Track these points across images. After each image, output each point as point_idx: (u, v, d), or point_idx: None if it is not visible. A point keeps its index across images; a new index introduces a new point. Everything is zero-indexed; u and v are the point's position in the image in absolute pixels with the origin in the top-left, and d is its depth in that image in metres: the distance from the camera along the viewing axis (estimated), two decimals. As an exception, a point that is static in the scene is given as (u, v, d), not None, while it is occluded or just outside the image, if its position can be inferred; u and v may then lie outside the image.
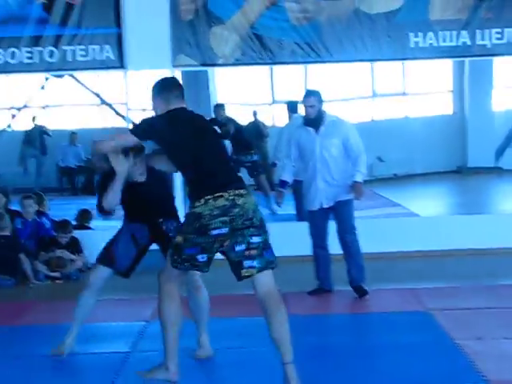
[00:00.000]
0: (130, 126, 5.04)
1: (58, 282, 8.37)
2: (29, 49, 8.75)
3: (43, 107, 17.95)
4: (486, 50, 8.90)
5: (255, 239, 4.56)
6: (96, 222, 9.41)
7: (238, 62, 8.99)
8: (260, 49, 8.85)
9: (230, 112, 17.17)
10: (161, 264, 4.99)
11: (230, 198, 4.52)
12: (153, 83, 4.88)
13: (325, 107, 7.18)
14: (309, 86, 15.85)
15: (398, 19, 8.74)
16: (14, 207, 9.20)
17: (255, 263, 4.57)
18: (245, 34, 8.84)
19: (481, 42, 8.81)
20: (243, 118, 16.10)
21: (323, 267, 7.24)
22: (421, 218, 10.66)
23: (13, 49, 8.74)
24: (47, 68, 8.99)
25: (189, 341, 5.23)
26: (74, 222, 9.13)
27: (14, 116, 14.40)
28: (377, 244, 8.63)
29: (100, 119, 17.18)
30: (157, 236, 5.47)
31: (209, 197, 4.50)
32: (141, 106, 11.76)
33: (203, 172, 4.62)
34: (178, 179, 7.85)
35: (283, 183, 7.36)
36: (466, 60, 13.95)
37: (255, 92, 17.58)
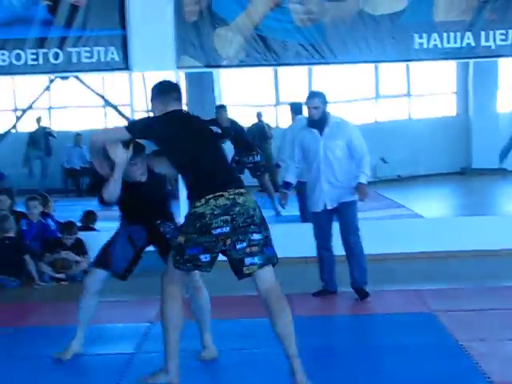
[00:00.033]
0: (126, 124, 5.01)
1: (62, 283, 8.38)
2: (34, 50, 8.76)
3: (48, 109, 18.02)
4: (491, 52, 8.90)
5: (256, 236, 4.60)
6: (101, 224, 9.42)
7: (242, 64, 8.99)
8: (264, 50, 8.85)
9: (234, 113, 17.23)
10: (159, 265, 5.01)
11: (231, 197, 4.56)
12: (152, 86, 4.96)
13: (329, 108, 7.19)
14: (313, 88, 15.89)
15: (402, 20, 8.74)
16: (19, 208, 9.22)
17: (256, 260, 4.61)
18: (249, 35, 8.85)
19: (485, 44, 8.81)
20: (247, 120, 16.13)
21: (327, 268, 7.25)
22: (425, 219, 10.66)
23: (18, 50, 8.75)
24: (52, 70, 9.01)
25: (191, 342, 5.24)
26: (78, 224, 9.15)
27: (18, 117, 14.41)
28: (381, 245, 8.64)
29: (104, 120, 17.26)
30: (154, 238, 5.47)
31: (209, 196, 4.54)
32: (145, 108, 11.80)
33: (202, 172, 4.66)
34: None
35: (287, 184, 7.37)
36: (471, 61, 13.93)
37: (259, 93, 17.59)
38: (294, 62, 9.01)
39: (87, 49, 8.79)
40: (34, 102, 12.21)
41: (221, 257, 4.72)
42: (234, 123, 12.05)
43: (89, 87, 11.59)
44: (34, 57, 8.78)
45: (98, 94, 12.58)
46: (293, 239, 8.55)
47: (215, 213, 4.52)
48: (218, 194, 4.55)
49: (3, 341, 6.18)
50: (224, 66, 9.12)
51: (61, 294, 8.06)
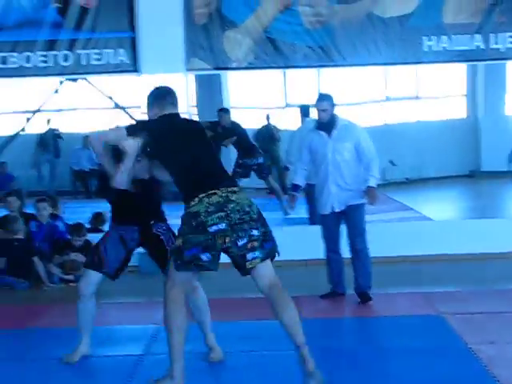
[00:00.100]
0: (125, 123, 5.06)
1: (71, 284, 8.39)
2: (44, 52, 8.81)
3: (57, 111, 18.06)
4: (500, 54, 8.90)
5: (255, 232, 4.65)
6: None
7: (251, 66, 9.01)
8: (273, 52, 8.87)
9: (242, 116, 17.26)
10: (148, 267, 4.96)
11: (224, 194, 4.63)
12: (149, 91, 5.06)
13: (337, 111, 7.19)
14: (322, 90, 15.88)
15: (411, 23, 8.75)
16: (28, 210, 9.24)
17: (257, 254, 4.66)
18: (258, 37, 8.86)
19: (494, 46, 8.81)
20: (256, 122, 16.15)
21: (336, 271, 7.24)
22: (433, 222, 10.64)
23: (28, 53, 8.80)
24: (62, 72, 9.04)
25: (196, 344, 5.25)
26: (87, 226, 9.16)
27: (28, 119, 14.43)
28: (389, 248, 8.65)
29: (113, 122, 17.29)
30: (146, 238, 5.48)
31: (203, 195, 4.60)
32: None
33: (194, 173, 4.74)
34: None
35: (296, 187, 7.36)
36: (480, 64, 13.90)
37: (268, 96, 17.60)
38: (302, 64, 9.02)
39: (97, 51, 8.83)
40: (44, 104, 12.21)
41: (223, 258, 4.76)
42: (236, 126, 12.07)
43: (98, 89, 11.58)
44: (44, 59, 8.81)
45: (107, 96, 12.56)
46: (301, 241, 8.56)
47: (209, 210, 4.57)
48: (210, 192, 4.62)
49: (12, 342, 6.19)
50: (233, 68, 9.15)
51: (70, 295, 8.04)
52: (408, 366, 5.24)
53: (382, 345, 5.89)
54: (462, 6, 8.79)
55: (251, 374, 5.21)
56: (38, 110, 12.74)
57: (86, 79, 10.07)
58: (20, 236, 8.55)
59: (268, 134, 15.53)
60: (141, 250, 5.65)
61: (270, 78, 16.98)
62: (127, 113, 11.12)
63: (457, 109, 18.22)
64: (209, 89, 16.14)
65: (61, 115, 18.31)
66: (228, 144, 11.84)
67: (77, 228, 8.68)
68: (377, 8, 8.77)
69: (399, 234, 9.01)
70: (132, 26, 8.82)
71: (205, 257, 4.60)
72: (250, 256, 4.64)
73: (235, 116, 16.66)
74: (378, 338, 6.20)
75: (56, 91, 12.06)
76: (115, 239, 5.46)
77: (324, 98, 7.14)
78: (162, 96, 4.99)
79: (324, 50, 8.84)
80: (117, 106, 12.52)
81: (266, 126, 15.88)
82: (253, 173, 12.11)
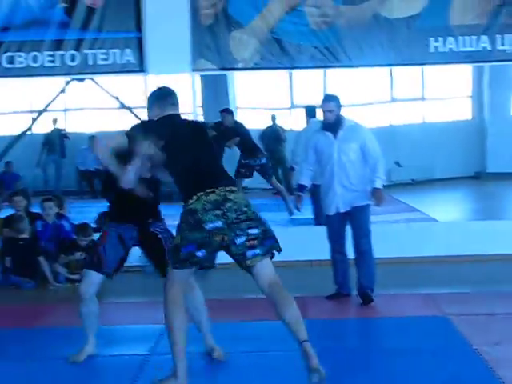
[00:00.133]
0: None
1: (77, 284, 8.38)
2: (50, 52, 8.82)
3: (64, 110, 18.09)
4: (506, 55, 8.89)
5: (253, 231, 4.68)
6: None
7: (257, 67, 9.01)
8: (279, 53, 8.87)
9: (248, 116, 17.28)
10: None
11: (222, 193, 4.68)
12: (150, 92, 5.12)
13: (343, 112, 7.19)
14: (328, 91, 15.89)
15: (418, 24, 8.74)
16: (34, 210, 9.26)
17: (258, 251, 4.68)
18: (264, 38, 8.87)
19: (501, 47, 8.80)
20: (262, 123, 16.16)
21: (341, 272, 7.24)
22: (439, 223, 10.64)
23: (35, 52, 8.82)
24: (68, 71, 9.05)
25: (198, 345, 5.25)
26: (93, 225, 9.18)
27: (34, 119, 14.45)
28: (395, 249, 8.65)
29: (119, 122, 17.32)
30: (144, 237, 5.50)
31: (201, 193, 4.66)
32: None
33: (193, 172, 4.78)
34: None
35: (301, 187, 7.36)
36: (486, 65, 13.89)
37: (274, 96, 17.61)
38: (308, 65, 9.02)
39: (103, 51, 8.84)
40: (50, 103, 12.23)
41: (223, 258, 4.76)
42: (239, 126, 12.08)
43: (104, 89, 11.59)
44: (51, 59, 8.83)
45: (112, 95, 12.57)
46: (307, 242, 8.57)
47: (206, 208, 4.62)
48: (209, 190, 4.67)
49: (19, 341, 6.21)
50: (239, 68, 9.16)
51: (76, 294, 8.03)
52: (413, 366, 5.23)
53: (387, 346, 5.88)
54: (469, 8, 8.78)
55: (252, 374, 5.21)
56: (45, 110, 12.75)
57: (92, 79, 10.09)
58: (25, 235, 8.57)
59: (274, 135, 15.54)
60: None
61: (276, 78, 16.99)
62: (133, 113, 11.13)
63: (462, 110, 18.20)
64: (215, 89, 16.15)
65: (67, 115, 18.35)
66: (231, 145, 11.85)
67: (83, 228, 8.69)
68: (383, 9, 8.77)
69: (405, 235, 9.01)
70: (138, 27, 8.83)
71: (200, 253, 4.65)
72: (249, 254, 4.67)
73: (241, 116, 16.73)
74: (383, 339, 6.21)
75: (62, 91, 12.09)
76: (114, 238, 5.48)
77: (330, 98, 7.15)
78: (163, 97, 5.03)
79: (330, 51, 8.84)
80: (123, 106, 12.54)
81: (271, 126, 15.89)
82: (258, 173, 12.11)
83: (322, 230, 7.36)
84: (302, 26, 8.81)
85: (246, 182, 12.74)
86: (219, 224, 4.62)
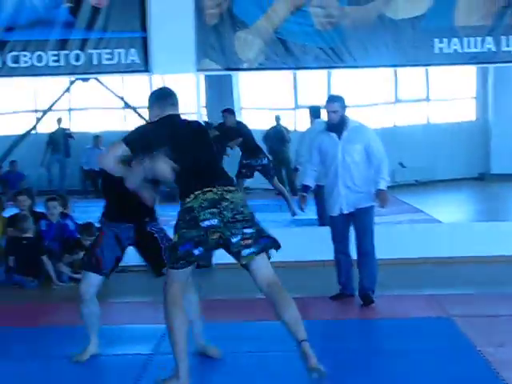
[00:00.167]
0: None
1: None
2: (55, 52, 8.82)
3: (68, 110, 18.12)
4: (511, 57, 8.87)
5: (248, 230, 4.72)
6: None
7: (261, 67, 9.01)
8: (284, 53, 8.86)
9: (253, 117, 17.29)
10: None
11: (219, 192, 4.72)
12: (150, 93, 5.15)
13: (347, 112, 7.18)
14: (332, 91, 15.88)
15: (422, 25, 8.73)
16: (38, 209, 9.27)
17: (253, 249, 4.72)
18: (269, 38, 8.86)
19: (506, 49, 8.79)
20: (266, 123, 16.17)
21: (345, 272, 7.24)
22: (443, 224, 10.63)
23: (39, 52, 8.81)
24: (73, 71, 9.04)
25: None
26: (97, 225, 9.17)
27: (39, 119, 14.47)
28: (399, 250, 8.65)
29: (124, 122, 17.35)
30: (141, 237, 5.51)
31: (198, 192, 4.70)
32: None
33: (193, 173, 4.80)
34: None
35: (306, 187, 7.36)
36: (491, 66, 13.88)
37: (278, 97, 17.61)
38: (313, 65, 9.01)
39: (108, 51, 8.84)
40: (55, 103, 12.25)
41: (227, 259, 4.77)
42: (241, 126, 12.08)
43: (109, 89, 11.61)
44: (56, 58, 8.83)
45: (117, 95, 12.59)
46: (310, 242, 8.57)
47: (203, 205, 4.67)
48: (206, 189, 4.71)
49: (22, 341, 6.22)
50: (244, 69, 9.15)
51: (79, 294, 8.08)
52: (417, 368, 5.23)
53: (390, 347, 5.87)
54: (474, 9, 8.76)
55: (252, 374, 5.21)
56: (49, 110, 12.77)
57: (97, 79, 10.10)
58: (29, 235, 8.58)
59: (278, 135, 15.54)
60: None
61: (280, 79, 17.00)
62: (137, 113, 11.13)
63: (467, 111, 18.19)
64: (219, 90, 16.16)
65: (72, 115, 18.38)
66: (234, 145, 11.85)
67: (87, 227, 8.69)
68: (388, 9, 8.76)
69: (408, 236, 9.01)
70: (143, 26, 8.83)
71: (197, 251, 4.68)
72: (245, 252, 4.72)
73: (245, 117, 16.74)
74: (386, 340, 6.19)
75: (67, 90, 12.11)
76: (111, 239, 5.48)
77: (335, 99, 7.14)
78: (162, 97, 5.06)
79: (335, 52, 8.83)
80: (127, 106, 12.57)
81: (275, 127, 15.89)
82: (260, 174, 12.09)
83: (325, 231, 7.36)
84: (306, 26, 8.80)
85: (249, 183, 12.74)
86: (215, 222, 4.66)
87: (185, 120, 5.07)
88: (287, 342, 4.85)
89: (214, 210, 4.67)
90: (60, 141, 17.13)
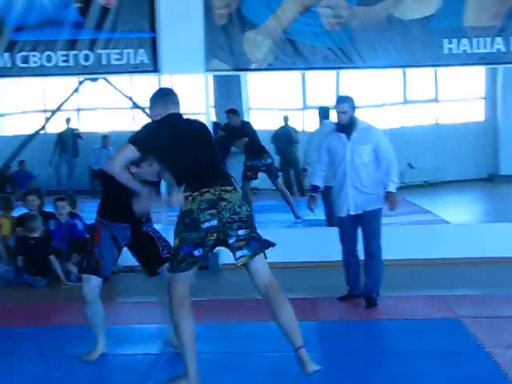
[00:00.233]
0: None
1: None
2: (64, 52, 8.83)
3: (77, 110, 18.16)
4: (520, 57, 8.86)
5: (241, 232, 4.76)
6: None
7: (270, 67, 9.00)
8: (293, 54, 8.85)
9: (261, 117, 17.28)
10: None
11: (217, 192, 4.75)
12: (152, 93, 5.16)
13: (356, 113, 7.17)
14: (340, 92, 15.88)
15: (432, 25, 8.70)
16: (47, 209, 9.29)
17: (245, 252, 4.75)
18: (278, 38, 8.85)
19: (515, 49, 8.77)
20: (274, 123, 16.17)
21: (353, 273, 7.23)
22: (452, 225, 10.62)
23: (49, 52, 8.83)
24: (82, 71, 9.05)
25: (203, 346, 5.26)
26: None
27: (48, 119, 14.51)
28: (407, 250, 8.64)
29: (132, 122, 17.38)
30: (137, 237, 5.52)
31: (196, 193, 4.73)
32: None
33: (193, 173, 4.83)
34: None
35: (315, 188, 7.35)
36: (500, 67, 13.84)
37: (287, 97, 17.60)
38: (322, 66, 9.00)
39: (117, 51, 8.85)
40: (63, 103, 12.27)
41: (229, 259, 4.79)
42: (246, 126, 12.07)
43: (117, 89, 11.62)
44: (65, 58, 8.85)
45: (125, 95, 12.60)
46: (319, 243, 8.57)
47: (201, 207, 4.70)
48: (203, 190, 4.74)
49: (31, 340, 6.24)
50: (253, 69, 9.15)
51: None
52: (425, 369, 5.23)
53: (399, 348, 5.87)
54: (483, 9, 8.74)
55: (253, 374, 5.22)
56: (58, 110, 12.79)
57: (105, 79, 10.11)
58: (35, 235, 8.60)
59: (286, 136, 15.53)
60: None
61: (289, 79, 16.99)
62: (146, 113, 11.13)
63: (476, 112, 18.15)
64: (227, 91, 16.16)
65: (80, 115, 18.42)
66: (240, 145, 11.83)
67: (95, 227, 8.70)
68: (397, 10, 8.74)
69: (417, 237, 9.00)
70: (152, 27, 8.83)
71: (197, 252, 4.71)
72: (238, 254, 4.76)
73: (254, 117, 16.75)
74: (394, 341, 6.19)
75: (76, 91, 12.13)
76: (108, 239, 5.49)
77: (344, 99, 7.12)
78: (165, 95, 5.10)
79: (344, 52, 8.82)
80: (136, 106, 12.57)
81: (284, 127, 15.88)
82: (265, 174, 12.07)
83: (333, 232, 7.35)
84: (315, 26, 8.79)
85: (255, 183, 12.73)
86: (215, 223, 4.70)
87: (187, 119, 5.09)
88: (287, 343, 4.86)
89: (213, 210, 4.70)
90: (69, 141, 17.17)
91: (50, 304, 7.65)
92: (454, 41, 8.71)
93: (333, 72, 14.44)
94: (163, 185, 7.66)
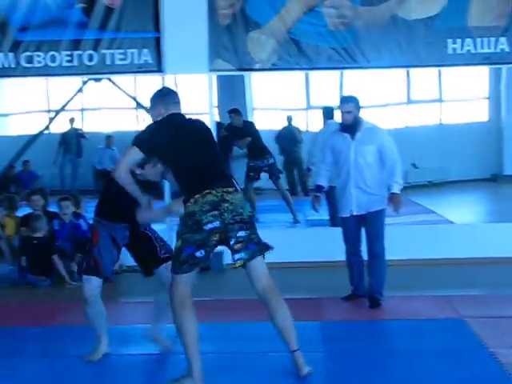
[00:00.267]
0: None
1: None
2: (68, 52, 8.84)
3: (81, 110, 18.18)
4: (524, 57, 8.85)
5: (241, 233, 4.79)
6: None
7: (274, 67, 9.00)
8: (297, 54, 8.85)
9: (265, 117, 17.28)
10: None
11: (219, 194, 4.76)
12: (152, 93, 5.18)
13: (360, 113, 7.16)
14: (344, 92, 15.87)
15: (436, 25, 8.70)
16: (51, 209, 9.30)
17: (243, 255, 4.79)
18: (282, 38, 8.85)
19: (519, 49, 8.76)
20: (278, 123, 16.17)
21: (357, 273, 7.23)
22: (456, 225, 10.61)
23: (53, 52, 8.83)
24: (86, 71, 9.06)
25: (209, 345, 5.27)
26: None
27: (51, 119, 14.53)
28: (411, 250, 8.64)
29: (136, 122, 17.40)
30: (135, 237, 5.52)
31: (198, 195, 4.74)
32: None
33: (194, 173, 4.84)
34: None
35: (319, 188, 7.35)
36: (504, 67, 13.82)
37: (290, 97, 17.61)
38: (326, 66, 8.99)
39: (121, 51, 8.85)
40: (67, 103, 12.30)
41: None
42: (249, 126, 12.07)
43: (121, 89, 11.65)
44: (69, 58, 8.85)
45: (129, 95, 12.64)
46: (323, 243, 8.57)
47: (204, 209, 4.71)
48: (205, 192, 4.75)
49: (36, 340, 6.25)
50: (256, 69, 9.15)
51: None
52: (429, 369, 5.22)
53: (402, 348, 5.87)
54: (487, 9, 8.73)
55: (253, 374, 5.22)
56: (62, 110, 12.82)
57: (109, 79, 10.13)
58: (39, 235, 8.60)
59: (290, 136, 15.53)
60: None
61: (293, 79, 16.99)
62: (149, 113, 11.17)
63: (479, 112, 18.14)
64: (231, 91, 16.16)
65: (84, 115, 18.43)
66: (243, 145, 11.83)
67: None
68: (401, 10, 8.74)
69: (421, 237, 8.99)
70: (156, 27, 8.83)
71: (199, 253, 4.73)
72: (236, 257, 4.80)
73: (257, 117, 16.75)
74: (398, 341, 6.18)
75: (80, 91, 12.15)
76: (107, 239, 5.49)
77: (349, 99, 7.11)
78: (166, 95, 5.12)
79: (348, 52, 8.81)
80: (140, 106, 12.60)
81: (287, 127, 15.88)
82: (267, 173, 12.07)
83: (337, 232, 7.35)
84: (319, 26, 8.78)
85: (258, 183, 12.73)
86: (217, 224, 4.72)
87: (188, 119, 5.09)
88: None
89: (216, 212, 4.72)
90: (72, 141, 17.19)
91: (53, 304, 7.65)
92: (458, 41, 8.71)
93: (337, 72, 14.43)
94: (166, 186, 7.72)
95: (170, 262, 5.02)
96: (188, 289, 4.83)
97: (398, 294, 7.26)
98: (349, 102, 7.04)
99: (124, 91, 11.84)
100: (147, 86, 15.44)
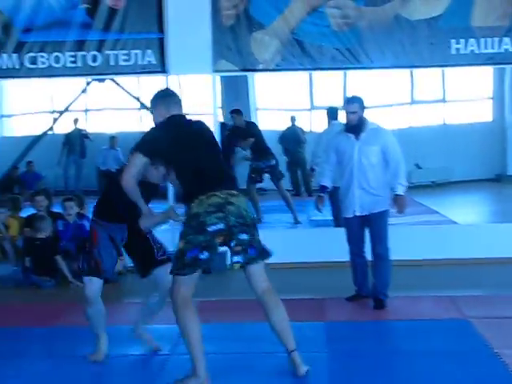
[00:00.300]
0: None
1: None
2: (72, 53, 8.86)
3: (85, 111, 18.20)
4: (528, 57, 8.84)
5: (242, 236, 4.79)
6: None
7: (278, 68, 9.01)
8: (300, 54, 8.86)
9: (269, 117, 17.29)
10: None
11: (223, 196, 4.77)
12: (153, 95, 5.19)
13: (364, 113, 7.16)
14: (348, 92, 15.86)
15: (439, 25, 8.70)
16: (55, 209, 9.31)
17: (239, 258, 4.81)
18: (285, 39, 8.86)
19: (523, 49, 8.75)
20: (282, 124, 16.18)
21: (360, 274, 7.23)
22: (459, 225, 10.60)
23: (57, 53, 8.86)
24: (90, 72, 9.08)
25: (211, 345, 5.27)
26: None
27: (55, 119, 14.55)
28: (415, 251, 8.63)
29: (140, 123, 17.41)
30: (133, 237, 5.52)
31: (202, 197, 4.74)
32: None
33: (197, 175, 4.83)
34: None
35: (323, 188, 7.35)
36: (508, 67, 13.83)
37: (294, 98, 17.61)
38: (330, 66, 9.00)
39: (125, 52, 8.87)
40: (71, 104, 12.32)
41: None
42: (251, 126, 12.07)
43: (125, 90, 11.66)
44: (73, 59, 8.87)
45: (133, 96, 12.65)
46: (326, 244, 8.57)
47: (208, 210, 4.71)
48: (210, 193, 4.75)
49: (40, 340, 6.25)
50: (260, 69, 9.15)
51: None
52: (433, 369, 5.22)
53: (407, 348, 5.86)
54: (491, 9, 8.73)
55: (253, 375, 5.22)
56: (66, 110, 12.84)
57: (113, 80, 10.14)
58: (43, 235, 8.61)
59: (293, 136, 15.54)
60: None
61: (296, 80, 16.99)
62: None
63: (483, 112, 18.12)
64: (235, 91, 16.17)
65: (88, 115, 18.45)
66: (246, 145, 11.83)
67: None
68: (405, 10, 8.74)
69: (425, 238, 8.99)
70: (160, 28, 8.85)
71: (203, 255, 4.73)
72: (234, 259, 4.82)
73: (261, 118, 16.76)
74: (403, 342, 6.18)
75: (84, 91, 12.16)
76: (106, 240, 5.49)
77: (354, 100, 7.10)
78: (167, 96, 5.13)
79: (351, 52, 8.82)
80: (143, 107, 12.60)
81: (291, 127, 15.88)
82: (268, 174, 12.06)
83: (341, 232, 7.35)
84: (323, 27, 8.79)
85: (262, 184, 12.72)
86: (221, 226, 4.73)
87: (189, 120, 5.10)
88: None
89: (220, 214, 4.72)
90: (76, 141, 17.22)
91: (58, 304, 7.66)
92: (462, 41, 8.71)
93: (340, 72, 14.41)
94: (169, 188, 7.72)
95: (169, 265, 5.02)
96: (190, 290, 4.83)
97: (401, 295, 7.25)
98: (354, 103, 7.03)
99: (128, 92, 11.84)
100: (151, 86, 15.50)
